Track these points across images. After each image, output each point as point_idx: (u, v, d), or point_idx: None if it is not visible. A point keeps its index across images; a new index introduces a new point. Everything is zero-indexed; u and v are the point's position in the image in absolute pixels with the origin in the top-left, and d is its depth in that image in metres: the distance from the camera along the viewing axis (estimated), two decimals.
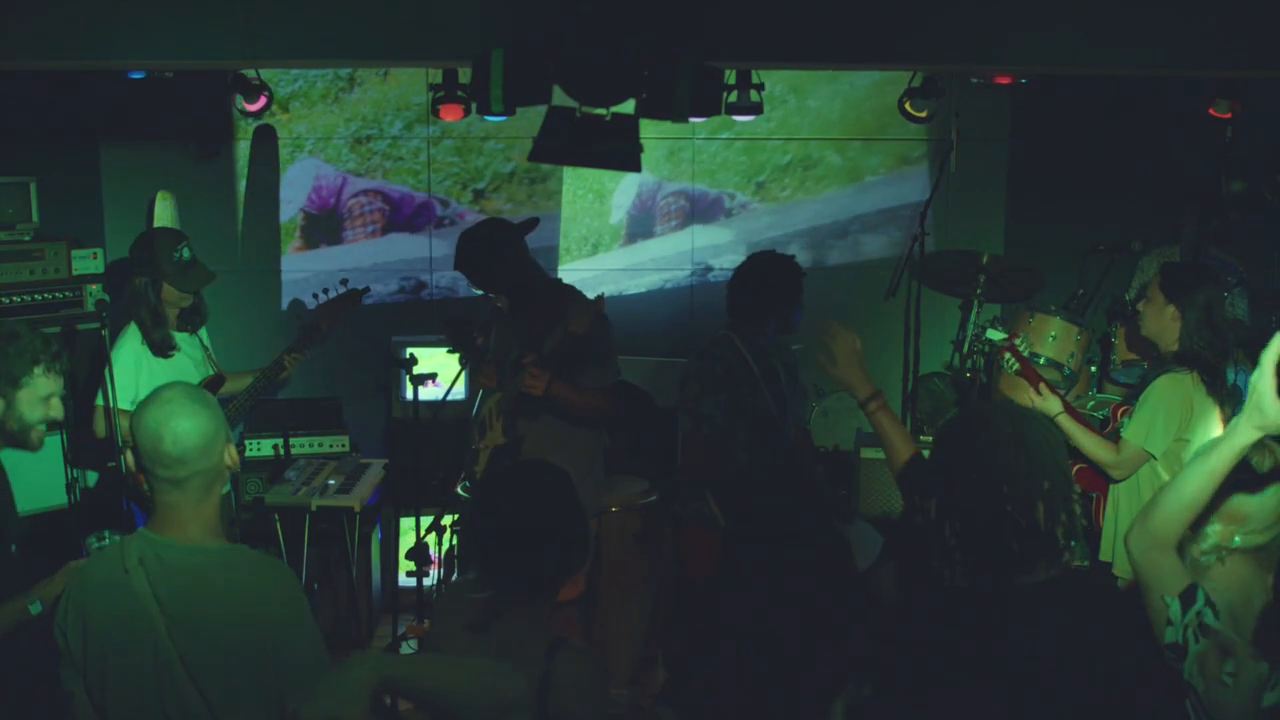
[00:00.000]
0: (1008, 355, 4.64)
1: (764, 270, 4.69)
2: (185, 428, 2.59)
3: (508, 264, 4.68)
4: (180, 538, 2.62)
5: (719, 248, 7.03)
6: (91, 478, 4.85)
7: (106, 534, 3.04)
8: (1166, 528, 2.38)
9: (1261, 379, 2.27)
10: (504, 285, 4.75)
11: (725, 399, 4.48)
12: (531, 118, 6.27)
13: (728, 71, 5.95)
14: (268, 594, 2.62)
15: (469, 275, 4.84)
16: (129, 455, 3.15)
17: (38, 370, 3.31)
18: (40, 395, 3.32)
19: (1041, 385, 4.44)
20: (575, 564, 2.70)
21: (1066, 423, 4.34)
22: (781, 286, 4.65)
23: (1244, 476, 2.50)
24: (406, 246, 6.87)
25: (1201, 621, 2.31)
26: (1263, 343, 2.34)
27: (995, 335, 5.00)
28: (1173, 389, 4.20)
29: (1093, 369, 5.77)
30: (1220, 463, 2.33)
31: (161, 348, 4.68)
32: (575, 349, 4.45)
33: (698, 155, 6.95)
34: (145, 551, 2.60)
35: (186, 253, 4.69)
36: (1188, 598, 2.33)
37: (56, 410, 3.36)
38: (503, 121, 6.30)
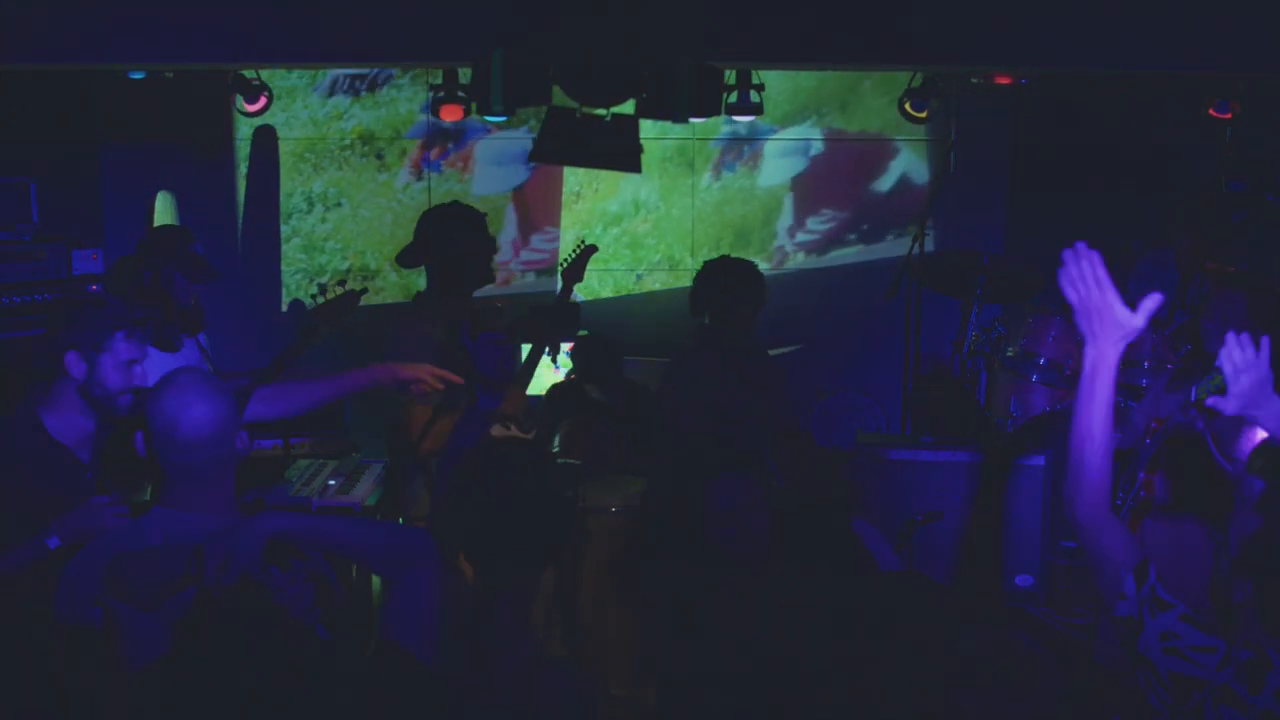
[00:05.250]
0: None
1: (711, 272, 4.78)
2: (200, 414, 2.59)
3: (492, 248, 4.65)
4: (202, 512, 2.62)
5: None
6: None
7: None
8: (1101, 479, 2.40)
9: (1116, 300, 2.39)
10: (473, 272, 4.60)
11: (700, 408, 4.52)
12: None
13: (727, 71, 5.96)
14: None
15: (452, 244, 4.58)
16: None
17: (119, 335, 3.32)
18: (121, 361, 3.33)
19: None
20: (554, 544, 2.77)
21: None
22: (723, 285, 4.71)
23: None
24: None
25: (1155, 595, 2.33)
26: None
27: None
28: None
29: None
30: (1107, 391, 2.40)
31: (167, 340, 4.69)
32: None
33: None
34: (169, 526, 2.60)
35: (199, 248, 4.75)
36: (1141, 572, 2.35)
37: (138, 377, 3.36)
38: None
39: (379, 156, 7.06)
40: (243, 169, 6.87)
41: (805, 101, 7.20)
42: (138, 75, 5.85)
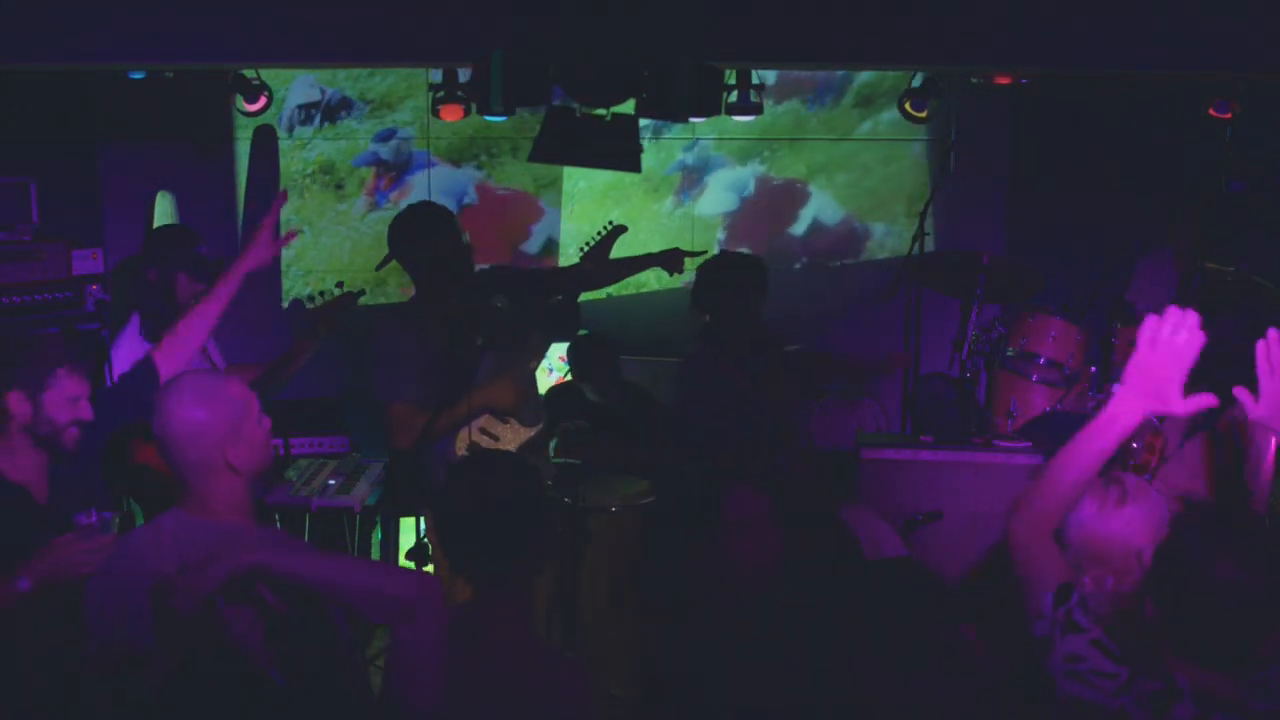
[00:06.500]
0: None
1: (715, 271, 4.78)
2: (175, 417, 2.63)
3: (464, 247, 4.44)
4: (209, 517, 2.65)
5: None
6: None
7: (94, 511, 3.00)
8: (1060, 508, 2.39)
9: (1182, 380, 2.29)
10: (452, 268, 4.41)
11: (710, 412, 4.53)
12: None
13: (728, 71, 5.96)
14: None
15: (436, 240, 4.38)
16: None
17: (62, 372, 3.32)
18: (67, 397, 3.32)
19: None
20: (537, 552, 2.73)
21: None
22: (727, 285, 4.70)
23: None
24: None
25: (1070, 617, 2.30)
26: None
27: None
28: None
29: (1093, 369, 5.76)
30: (1115, 442, 2.34)
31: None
32: None
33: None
34: (179, 530, 2.63)
35: (204, 249, 4.77)
36: (1062, 594, 2.33)
37: (84, 411, 3.35)
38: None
39: (339, 186, 7.17)
40: (243, 169, 6.87)
41: (760, 135, 7.25)
42: (138, 75, 5.84)
